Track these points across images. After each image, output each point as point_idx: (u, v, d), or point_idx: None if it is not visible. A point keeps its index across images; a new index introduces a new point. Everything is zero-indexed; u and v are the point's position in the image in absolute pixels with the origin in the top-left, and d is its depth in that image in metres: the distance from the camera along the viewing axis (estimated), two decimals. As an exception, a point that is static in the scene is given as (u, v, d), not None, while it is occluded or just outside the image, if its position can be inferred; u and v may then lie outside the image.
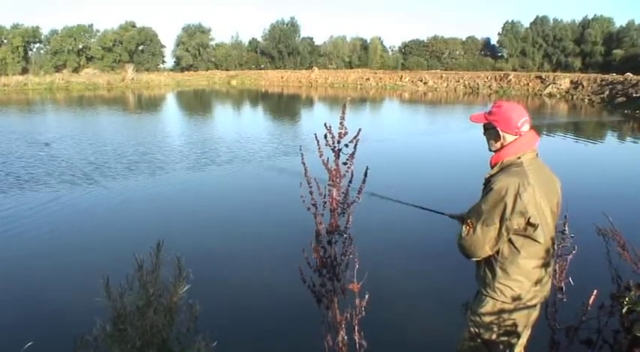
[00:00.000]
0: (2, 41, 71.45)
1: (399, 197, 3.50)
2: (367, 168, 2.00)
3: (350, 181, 2.02)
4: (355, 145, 1.96)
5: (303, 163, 2.08)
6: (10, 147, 15.20)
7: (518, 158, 2.73)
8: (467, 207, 2.89)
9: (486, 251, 2.71)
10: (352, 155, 1.97)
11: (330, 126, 1.99)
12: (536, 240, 2.67)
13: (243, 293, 5.75)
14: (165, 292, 2.47)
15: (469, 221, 2.74)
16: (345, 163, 1.99)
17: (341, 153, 1.99)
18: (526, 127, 2.78)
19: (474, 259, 2.82)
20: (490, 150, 2.89)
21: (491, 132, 2.84)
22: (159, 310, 2.40)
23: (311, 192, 2.03)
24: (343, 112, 1.98)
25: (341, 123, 1.96)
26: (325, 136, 1.98)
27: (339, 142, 1.97)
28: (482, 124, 2.91)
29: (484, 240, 2.68)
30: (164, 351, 2.43)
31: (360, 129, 1.95)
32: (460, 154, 14.81)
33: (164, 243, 2.59)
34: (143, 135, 18.84)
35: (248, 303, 5.50)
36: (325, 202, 2.03)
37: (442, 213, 3.26)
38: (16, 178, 11.22)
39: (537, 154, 2.81)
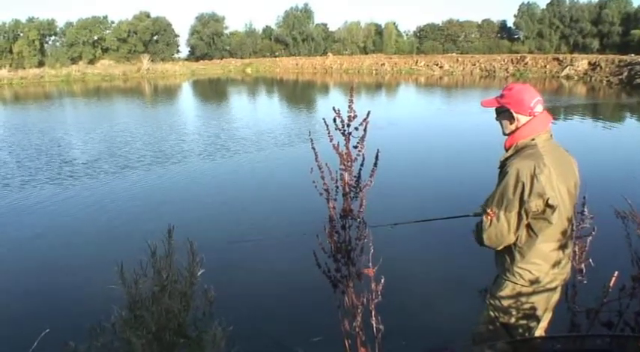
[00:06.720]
0: (19, 35, 72.08)
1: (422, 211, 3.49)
2: (378, 151, 1.97)
3: (361, 165, 1.99)
4: (365, 128, 1.93)
5: (313, 148, 2.05)
6: (30, 142, 15.40)
7: (532, 140, 2.70)
8: (480, 186, 2.86)
9: (511, 237, 2.68)
10: (363, 138, 1.94)
11: (339, 110, 1.96)
12: (553, 223, 2.63)
13: (259, 279, 5.78)
14: (180, 277, 2.48)
15: (489, 210, 2.69)
16: (355, 147, 1.96)
17: (351, 137, 1.96)
18: (539, 108, 2.74)
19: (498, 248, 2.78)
20: (504, 133, 2.86)
21: (504, 114, 2.81)
22: (174, 295, 2.42)
23: (322, 177, 2.01)
24: (351, 95, 1.95)
25: (349, 106, 1.93)
26: (334, 120, 1.95)
27: (348, 126, 1.94)
28: (494, 109, 2.88)
29: (509, 227, 2.64)
30: (180, 336, 2.45)
31: (369, 112, 1.92)
32: (479, 136, 14.67)
33: (179, 231, 2.60)
34: (158, 125, 18.93)
35: (264, 288, 5.52)
36: (338, 187, 2.01)
37: (467, 215, 3.26)
38: (30, 173, 11.31)
39: (552, 135, 2.77)
